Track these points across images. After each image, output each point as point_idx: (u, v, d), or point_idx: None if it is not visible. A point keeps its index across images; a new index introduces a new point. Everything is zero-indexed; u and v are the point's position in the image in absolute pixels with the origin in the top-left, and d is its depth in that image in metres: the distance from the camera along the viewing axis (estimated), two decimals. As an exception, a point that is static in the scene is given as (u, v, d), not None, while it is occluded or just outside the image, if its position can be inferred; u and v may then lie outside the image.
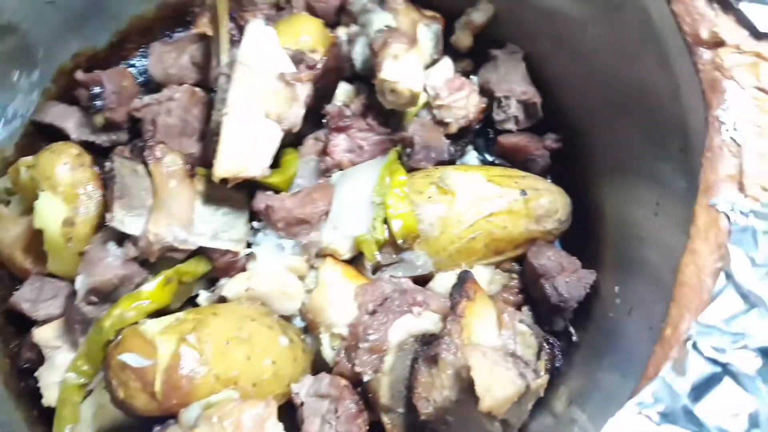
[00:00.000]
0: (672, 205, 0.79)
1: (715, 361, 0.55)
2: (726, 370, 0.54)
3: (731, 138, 0.68)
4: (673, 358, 0.58)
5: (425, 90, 1.11)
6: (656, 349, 0.61)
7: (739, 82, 0.70)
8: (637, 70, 0.88)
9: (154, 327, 0.87)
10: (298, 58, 1.00)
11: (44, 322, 1.01)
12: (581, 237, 1.06)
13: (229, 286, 0.98)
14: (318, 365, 0.98)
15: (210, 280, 1.04)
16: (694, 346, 0.56)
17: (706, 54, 0.74)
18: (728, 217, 0.64)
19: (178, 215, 0.95)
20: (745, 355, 0.54)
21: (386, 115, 1.11)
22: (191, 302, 1.04)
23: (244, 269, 1.01)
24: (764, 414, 0.52)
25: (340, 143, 1.06)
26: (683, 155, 0.78)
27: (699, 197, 0.68)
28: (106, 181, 0.97)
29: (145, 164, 0.98)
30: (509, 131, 1.16)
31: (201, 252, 0.98)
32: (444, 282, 1.02)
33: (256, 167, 0.95)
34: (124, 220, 0.93)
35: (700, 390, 0.54)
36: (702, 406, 0.54)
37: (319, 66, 1.03)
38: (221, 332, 0.88)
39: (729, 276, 0.60)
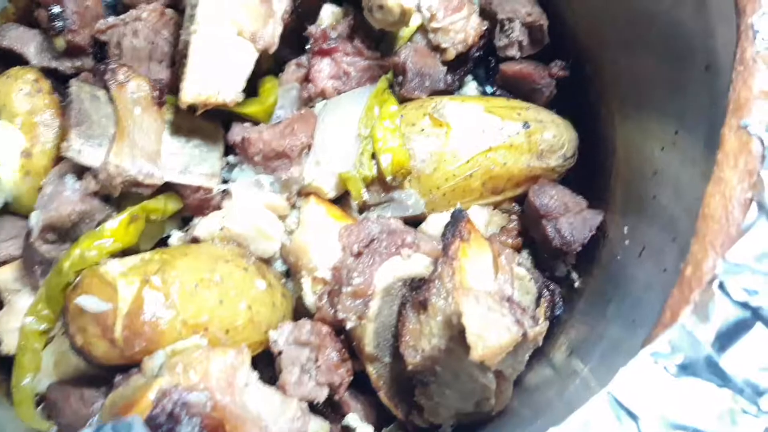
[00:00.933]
0: (694, 133, 0.70)
1: (745, 305, 0.46)
2: (757, 314, 0.46)
3: (766, 48, 0.58)
4: (695, 301, 0.50)
5: (419, 10, 1.00)
6: (674, 292, 0.53)
7: (780, -18, 0.59)
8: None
9: (115, 268, 0.80)
10: (274, -30, 0.89)
11: (4, 263, 0.93)
12: (588, 174, 0.97)
13: (201, 226, 0.90)
14: (300, 312, 0.91)
15: (184, 219, 0.96)
16: (721, 286, 0.47)
17: (740, -47, 0.63)
18: (762, 141, 0.55)
19: (144, 146, 0.86)
20: (781, 298, 0.46)
21: (376, 39, 1.00)
22: (164, 243, 0.96)
23: (218, 207, 0.93)
24: (802, 366, 0.44)
25: (323, 69, 0.96)
26: (708, 74, 0.68)
27: (728, 117, 0.59)
28: (65, 109, 0.88)
29: (107, 89, 0.88)
30: (512, 58, 1.05)
31: (171, 188, 0.90)
32: (437, 223, 0.94)
33: (228, 91, 0.85)
34: (81, 149, 0.83)
35: (726, 338, 0.46)
36: (728, 357, 0.46)
37: (299, -20, 0.92)
38: (190, 274, 0.80)
39: (762, 207, 0.51)
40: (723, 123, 0.59)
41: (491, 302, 0.71)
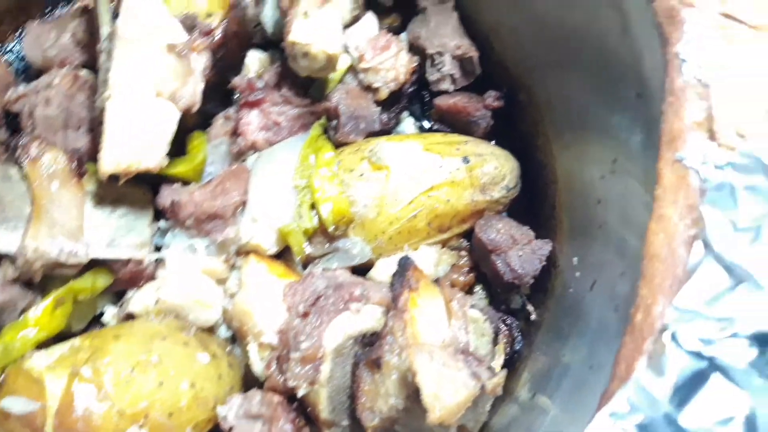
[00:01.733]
0: (631, 161, 0.69)
1: (699, 355, 0.44)
2: (713, 364, 0.44)
3: (695, 78, 0.57)
4: (648, 352, 0.48)
5: (347, 52, 0.98)
6: (626, 340, 0.51)
7: (700, 8, 0.59)
8: (580, 6, 0.76)
9: (41, 361, 0.74)
10: (189, 25, 0.86)
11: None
12: (533, 204, 0.95)
13: (135, 300, 0.85)
14: (250, 379, 0.86)
15: (118, 294, 0.90)
16: (673, 337, 0.45)
17: (658, -21, 0.62)
18: (699, 174, 0.53)
19: (64, 223, 0.81)
20: (735, 345, 0.44)
21: (305, 85, 0.97)
22: (98, 321, 0.90)
23: (152, 278, 0.87)
24: (763, 415, 0.42)
25: (252, 120, 0.92)
26: (640, 102, 0.67)
27: (662, 151, 0.57)
28: (-26, 191, 0.82)
29: (20, 166, 0.82)
30: (446, 92, 1.03)
31: (98, 263, 0.84)
32: (386, 269, 0.91)
33: (151, 157, 0.80)
34: (-7, 236, 0.77)
35: (684, 392, 0.44)
36: (688, 413, 0.43)
37: (218, 32, 0.88)
38: (124, 358, 0.75)
39: (707, 245, 0.49)
40: (658, 156, 0.58)
41: (446, 357, 0.68)
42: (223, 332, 0.89)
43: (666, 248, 0.52)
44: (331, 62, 0.87)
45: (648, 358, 0.47)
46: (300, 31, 0.86)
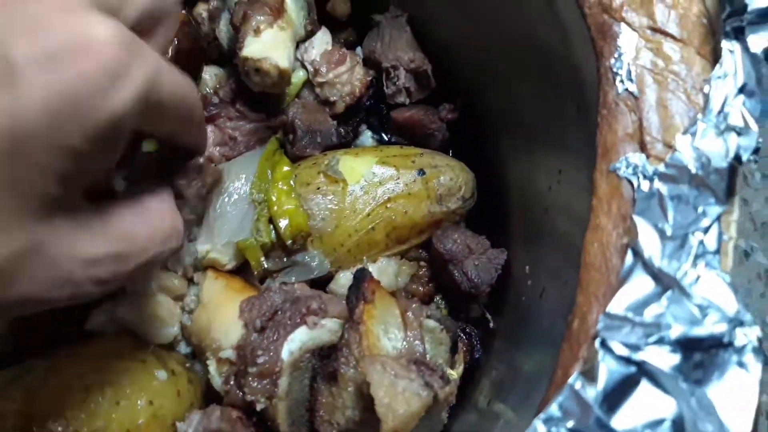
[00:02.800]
0: (574, 172, 0.70)
1: (628, 360, 0.46)
2: (642, 370, 0.45)
3: (626, 90, 0.59)
4: (582, 358, 0.49)
5: (303, 66, 0.99)
6: (564, 347, 0.52)
7: (630, 23, 0.61)
8: (525, 17, 0.78)
9: (-7, 384, 0.73)
10: (141, 44, 0.85)
11: None
12: (489, 214, 0.97)
13: (92, 318, 0.84)
14: (211, 395, 0.85)
15: (75, 312, 0.90)
16: (603, 344, 0.47)
17: (592, -6, 0.64)
18: (631, 183, 0.55)
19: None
20: (660, 351, 0.45)
21: (262, 100, 0.98)
22: (54, 342, 0.89)
23: (110, 296, 0.87)
24: (689, 418, 0.43)
25: (208, 136, 0.93)
26: (580, 115, 0.69)
27: (598, 162, 0.59)
28: None
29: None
30: (402, 105, 1.04)
31: (53, 283, 0.83)
32: (345, 281, 0.91)
33: (103, 177, 0.80)
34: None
35: (614, 397, 0.45)
36: (619, 418, 0.45)
37: (171, 49, 0.88)
38: (79, 377, 0.74)
39: (637, 253, 0.51)
40: (594, 167, 0.60)
41: (398, 368, 0.69)
42: (183, 348, 0.88)
43: (600, 257, 0.54)
44: (283, 78, 0.88)
45: (582, 364, 0.49)
46: (252, 48, 0.87)
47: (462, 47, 0.98)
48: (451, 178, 0.95)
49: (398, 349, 0.77)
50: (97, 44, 0.43)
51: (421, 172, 0.94)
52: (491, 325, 0.92)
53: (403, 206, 0.92)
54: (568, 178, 0.73)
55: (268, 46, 0.87)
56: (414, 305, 0.82)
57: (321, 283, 0.93)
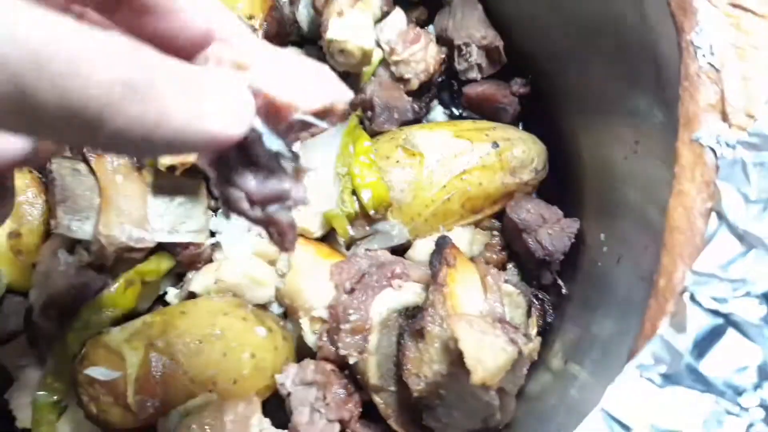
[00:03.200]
0: (652, 141, 0.74)
1: (716, 312, 0.50)
2: (729, 320, 0.50)
3: (709, 63, 0.62)
4: (670, 312, 0.54)
5: (379, 46, 1.04)
6: (651, 303, 0.57)
7: (710, 0, 0.64)
8: (601, -3, 0.82)
9: (118, 335, 0.82)
10: (236, 27, 0.92)
11: (8, 340, 0.95)
12: (560, 185, 1.01)
13: (196, 281, 0.93)
14: (301, 351, 0.93)
15: (178, 275, 0.99)
16: (692, 298, 0.51)
17: (673, -27, 0.67)
18: (714, 152, 0.59)
19: (130, 212, 0.88)
20: (747, 303, 0.50)
21: (341, 79, 1.03)
22: (161, 300, 0.98)
23: (210, 260, 0.95)
24: (773, 363, 0.48)
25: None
26: (658, 87, 0.72)
27: (680, 132, 0.63)
28: (48, 186, 0.90)
29: (87, 162, 0.90)
30: (473, 80, 1.09)
31: (162, 248, 0.92)
32: (423, 249, 0.98)
33: (207, 152, 0.88)
34: (70, 225, 0.86)
35: (703, 345, 0.50)
36: (707, 363, 0.49)
37: (260, 33, 0.95)
38: (192, 332, 0.83)
39: (721, 216, 0.55)
40: (676, 137, 0.63)
41: (484, 325, 0.75)
42: (275, 309, 0.96)
43: (685, 220, 0.58)
44: (366, 57, 0.94)
45: (670, 317, 0.53)
46: (336, 29, 0.92)
47: (533, 23, 1.02)
48: (523, 150, 0.99)
49: (479, 310, 0.83)
50: None
51: (495, 144, 0.98)
52: (564, 291, 0.96)
53: (477, 178, 0.97)
54: (645, 148, 0.76)
55: (351, 27, 0.92)
56: (492, 271, 0.87)
57: (399, 251, 0.99)
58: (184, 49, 0.40)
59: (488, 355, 0.71)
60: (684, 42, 0.65)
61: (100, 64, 0.29)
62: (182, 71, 0.32)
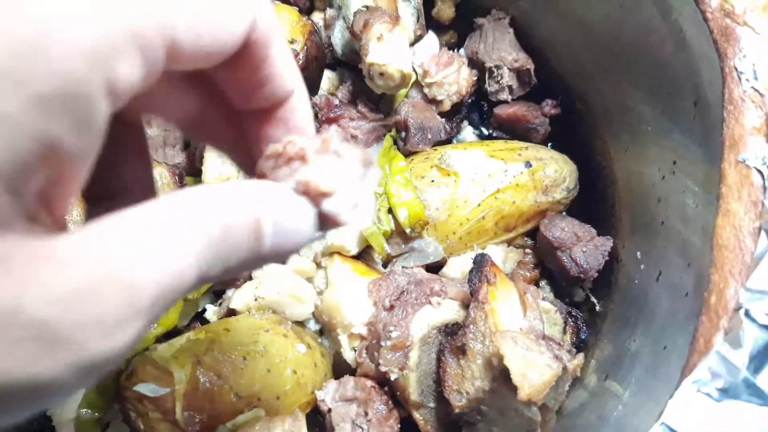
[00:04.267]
0: (691, 162, 0.76)
1: (770, 328, 0.52)
2: (784, 336, 0.51)
3: (753, 88, 0.65)
4: (724, 328, 0.55)
5: (413, 69, 1.06)
6: (703, 320, 0.58)
7: (753, 27, 0.66)
8: (635, 24, 0.84)
9: (165, 352, 0.83)
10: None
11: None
12: (592, 204, 1.03)
13: (237, 298, 0.94)
14: (338, 368, 0.95)
15: (215, 293, 1.00)
16: (747, 314, 0.53)
17: (713, 0, 0.70)
18: (761, 173, 0.61)
19: (175, 231, 0.90)
20: (802, 319, 0.51)
21: (375, 101, 1.06)
22: (199, 318, 1.00)
23: (250, 278, 0.97)
24: (830, 378, 0.49)
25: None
26: (698, 108, 0.74)
27: (726, 153, 0.65)
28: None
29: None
30: (504, 102, 1.11)
31: (203, 266, 0.94)
32: (458, 266, 0.99)
33: (250, 171, 0.90)
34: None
35: (759, 360, 0.51)
36: (764, 377, 0.51)
37: (301, 57, 0.97)
38: (236, 348, 0.84)
39: (771, 235, 0.56)
40: (722, 158, 0.65)
41: (528, 341, 0.76)
42: (312, 326, 0.98)
43: (734, 239, 0.60)
44: (405, 80, 0.96)
45: (724, 333, 0.55)
46: (376, 53, 0.95)
47: (564, 48, 1.04)
48: (555, 170, 1.01)
49: (519, 327, 0.84)
50: None
51: (528, 164, 1.00)
52: (597, 308, 0.98)
53: (511, 197, 0.99)
54: (684, 168, 0.78)
55: (390, 51, 0.95)
56: (531, 288, 0.89)
57: (434, 269, 1.01)
58: (266, 101, 0.47)
59: (534, 371, 0.72)
60: (727, 68, 0.67)
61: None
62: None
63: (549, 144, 1.12)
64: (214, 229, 0.36)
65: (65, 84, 0.31)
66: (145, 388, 0.80)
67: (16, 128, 0.30)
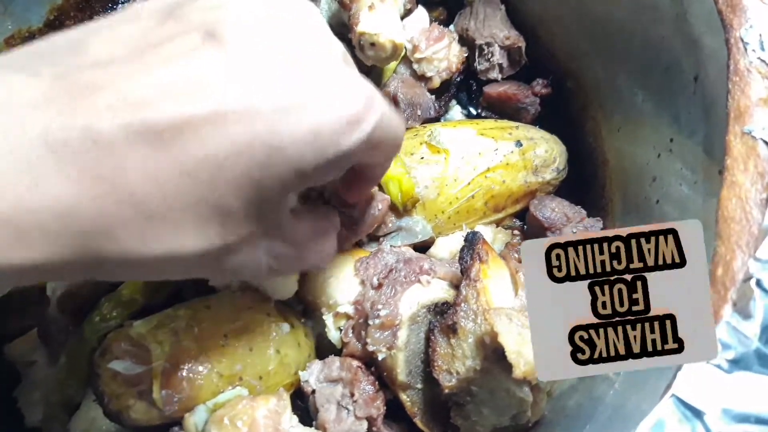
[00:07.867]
0: (690, 139, 0.75)
1: (782, 299, 0.51)
2: (796, 306, 0.50)
3: (759, 59, 0.63)
4: (733, 299, 0.54)
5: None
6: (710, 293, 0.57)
7: (759, -2, 0.65)
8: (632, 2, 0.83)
9: (142, 327, 0.79)
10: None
11: (17, 335, 0.91)
12: (581, 185, 1.02)
13: (217, 275, 0.90)
14: (322, 349, 0.91)
15: (193, 271, 0.96)
16: (759, 284, 0.52)
17: (716, -29, 0.68)
18: (767, 144, 0.60)
19: (152, 203, 0.86)
20: (815, 288, 0.50)
21: (363, 74, 1.03)
22: (177, 296, 0.95)
23: (231, 255, 0.93)
24: (842, 348, 0.48)
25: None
26: (699, 84, 0.73)
27: (731, 125, 0.63)
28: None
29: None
30: (494, 80, 1.09)
31: (181, 241, 0.89)
32: (446, 246, 0.97)
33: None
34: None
35: (771, 331, 0.50)
36: (776, 348, 0.49)
37: (289, 25, 0.93)
38: (218, 326, 0.80)
39: (779, 206, 0.55)
40: (726, 130, 0.64)
41: (523, 319, 0.74)
42: (294, 305, 0.94)
43: (740, 211, 0.59)
44: (396, 51, 0.93)
45: (733, 304, 0.53)
46: (368, 23, 0.92)
47: (556, 25, 1.03)
48: (546, 150, 1.00)
49: (511, 306, 0.82)
50: (350, 96, 0.53)
51: (519, 143, 0.98)
52: (585, 289, 0.96)
53: (501, 176, 0.97)
54: (681, 145, 0.77)
55: (382, 21, 0.92)
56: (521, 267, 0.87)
57: (421, 248, 0.98)
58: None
59: (529, 349, 0.70)
60: (733, 38, 0.66)
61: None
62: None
63: (537, 125, 1.10)
64: None
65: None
66: (120, 366, 0.75)
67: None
